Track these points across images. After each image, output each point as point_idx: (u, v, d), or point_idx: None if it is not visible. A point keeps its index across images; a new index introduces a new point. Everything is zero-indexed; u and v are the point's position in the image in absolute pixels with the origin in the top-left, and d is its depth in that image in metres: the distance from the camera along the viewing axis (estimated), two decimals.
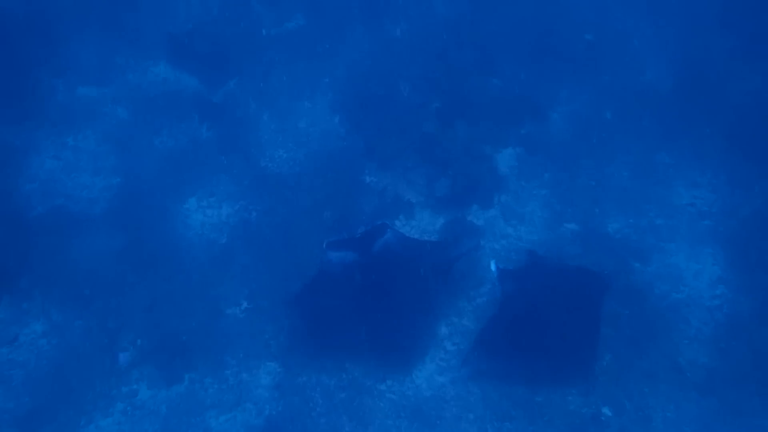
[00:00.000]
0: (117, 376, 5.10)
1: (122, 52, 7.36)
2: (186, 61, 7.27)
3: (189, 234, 6.04)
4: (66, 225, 5.96)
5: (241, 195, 6.33)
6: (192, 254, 5.87)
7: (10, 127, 6.63)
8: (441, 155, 6.25)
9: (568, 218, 6.01)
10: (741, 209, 5.84)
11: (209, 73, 7.21)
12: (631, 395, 4.80)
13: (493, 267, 5.18)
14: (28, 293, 5.55)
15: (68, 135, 6.71)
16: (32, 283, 5.58)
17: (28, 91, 6.89)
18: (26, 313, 5.46)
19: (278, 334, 5.34)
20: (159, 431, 4.82)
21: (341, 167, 6.45)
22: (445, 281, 5.32)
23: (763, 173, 5.98)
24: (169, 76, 7.27)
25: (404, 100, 6.66)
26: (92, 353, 5.20)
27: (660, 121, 6.54)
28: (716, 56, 6.80)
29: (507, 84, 6.97)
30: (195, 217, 6.19)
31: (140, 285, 5.62)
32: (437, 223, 6.04)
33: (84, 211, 6.10)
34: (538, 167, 6.43)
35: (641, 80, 6.91)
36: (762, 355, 4.91)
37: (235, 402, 4.97)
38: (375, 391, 4.93)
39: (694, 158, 6.25)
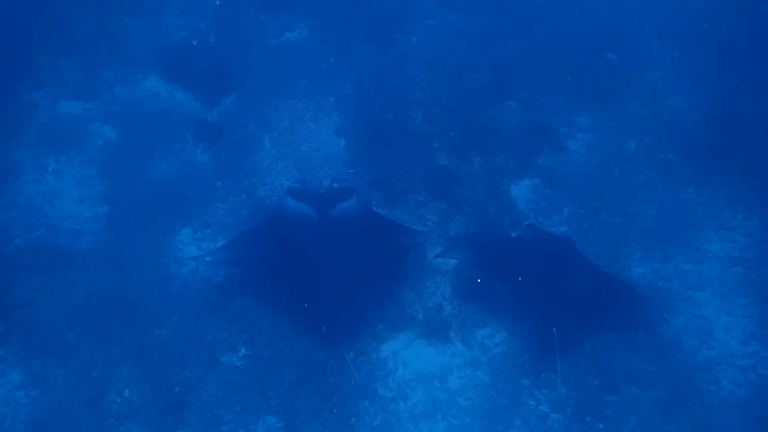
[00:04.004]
0: None
1: (109, 64, 6.78)
2: (179, 75, 6.74)
3: (182, 271, 5.59)
4: (47, 260, 5.48)
5: (238, 227, 5.87)
6: (186, 294, 5.43)
7: None
8: (455, 190, 5.82)
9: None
10: None
11: (204, 89, 6.68)
12: None
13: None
14: (5, 338, 5.08)
15: (49, 156, 6.18)
16: (9, 327, 5.12)
17: (4, 105, 6.33)
18: (2, 361, 5.01)
19: (279, 384, 4.96)
20: None
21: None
22: (390, 270, 5.19)
23: None
24: (161, 91, 6.72)
25: (416, 127, 6.18)
26: (76, 408, 4.78)
27: (688, 155, 6.12)
28: (753, 84, 6.34)
29: (525, 108, 6.51)
30: (189, 251, 5.73)
31: (129, 329, 5.18)
32: (450, 264, 5.64)
33: (67, 245, 5.61)
34: (557, 202, 6.03)
35: (668, 106, 6.47)
36: None
37: None
38: None
39: (726, 197, 5.85)
